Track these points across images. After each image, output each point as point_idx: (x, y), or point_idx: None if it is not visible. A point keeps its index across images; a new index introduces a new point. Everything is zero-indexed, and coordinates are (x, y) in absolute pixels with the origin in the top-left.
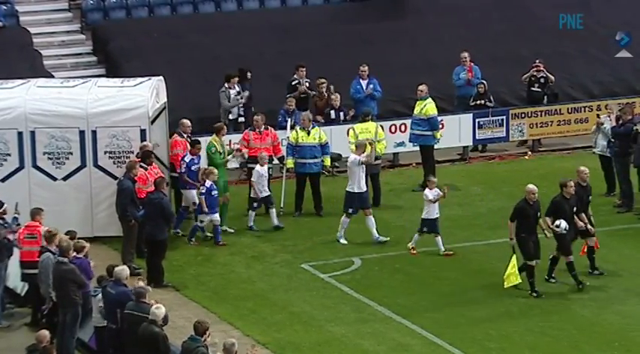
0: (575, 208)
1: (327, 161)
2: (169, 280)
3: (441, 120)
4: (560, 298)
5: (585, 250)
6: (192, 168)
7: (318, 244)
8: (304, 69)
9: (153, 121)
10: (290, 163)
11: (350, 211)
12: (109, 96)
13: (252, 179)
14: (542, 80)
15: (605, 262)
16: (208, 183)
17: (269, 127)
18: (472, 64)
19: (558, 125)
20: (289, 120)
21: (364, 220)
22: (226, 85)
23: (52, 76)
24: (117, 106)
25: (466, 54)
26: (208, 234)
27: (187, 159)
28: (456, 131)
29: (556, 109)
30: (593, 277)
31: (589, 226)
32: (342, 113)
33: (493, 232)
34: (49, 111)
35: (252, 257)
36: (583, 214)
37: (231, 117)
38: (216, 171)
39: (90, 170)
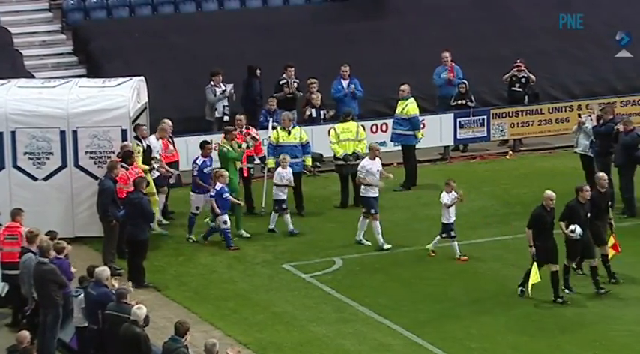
0: (589, 214)
1: (309, 161)
2: (150, 280)
3: (423, 120)
4: (542, 298)
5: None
6: (205, 170)
7: (299, 244)
8: (292, 69)
9: (134, 122)
10: (271, 163)
11: (372, 211)
12: (90, 96)
13: (274, 181)
14: (523, 80)
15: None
16: (219, 186)
17: (250, 127)
18: (453, 64)
19: (539, 125)
20: (270, 120)
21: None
22: (212, 82)
23: (33, 77)
24: (98, 106)
25: (447, 54)
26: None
27: (199, 161)
28: (437, 131)
29: (537, 109)
30: (576, 278)
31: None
32: (322, 112)
33: (474, 232)
34: (30, 111)
35: (233, 257)
36: (597, 222)
37: (217, 115)
38: (226, 173)
39: (71, 170)
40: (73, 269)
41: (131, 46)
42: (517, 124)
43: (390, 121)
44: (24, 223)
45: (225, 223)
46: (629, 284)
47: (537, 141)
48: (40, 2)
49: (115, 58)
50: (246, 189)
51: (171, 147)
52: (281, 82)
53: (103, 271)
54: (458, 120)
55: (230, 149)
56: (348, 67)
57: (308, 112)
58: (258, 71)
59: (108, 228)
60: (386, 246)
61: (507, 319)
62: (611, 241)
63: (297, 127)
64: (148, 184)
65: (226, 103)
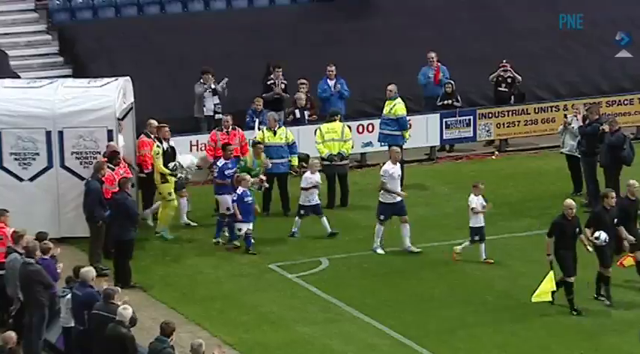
0: (615, 220)
1: (295, 161)
2: (137, 280)
3: (409, 120)
4: (529, 298)
5: (624, 262)
6: (226, 172)
7: (285, 244)
8: (280, 70)
9: (120, 120)
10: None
11: (382, 218)
12: (75, 96)
13: (301, 186)
14: (509, 80)
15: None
16: (240, 190)
17: (237, 127)
18: (439, 64)
19: (525, 125)
20: (256, 120)
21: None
22: (201, 80)
23: (19, 77)
24: (84, 106)
25: (433, 54)
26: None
27: (220, 163)
28: (424, 131)
29: (523, 109)
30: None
31: (625, 242)
32: (306, 113)
33: (460, 232)
34: (16, 112)
35: (219, 258)
36: (622, 228)
37: (206, 112)
38: (248, 177)
39: (57, 171)
40: (60, 265)
41: (117, 47)
42: (503, 124)
43: (375, 122)
44: (9, 223)
45: (239, 229)
46: (615, 285)
47: (523, 141)
48: (26, 3)
49: (101, 58)
50: None
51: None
52: (268, 83)
53: (89, 271)
54: (444, 120)
55: (247, 167)
56: (334, 67)
57: (291, 116)
58: (277, 69)
59: (94, 228)
60: (379, 251)
61: (495, 320)
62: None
63: (283, 127)
64: (133, 184)
65: (217, 102)
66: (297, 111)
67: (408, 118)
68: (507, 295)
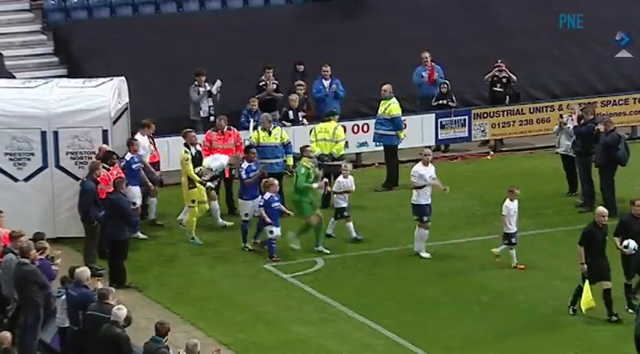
0: None
1: (290, 161)
2: (132, 280)
3: (404, 120)
4: (524, 298)
5: None
6: (250, 175)
7: (280, 244)
8: (271, 70)
9: (115, 122)
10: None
11: (425, 219)
12: (70, 97)
13: (333, 189)
14: (504, 80)
15: (568, 261)
16: (267, 195)
17: (232, 128)
18: (433, 64)
19: (520, 125)
20: (251, 120)
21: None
22: (195, 82)
23: (14, 77)
24: (79, 106)
25: (427, 54)
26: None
27: (244, 165)
28: (419, 131)
29: (518, 109)
30: (557, 278)
31: None
32: (300, 114)
33: (456, 232)
34: (11, 112)
35: (214, 258)
36: None
37: (202, 115)
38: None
39: (52, 171)
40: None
41: (112, 47)
42: (498, 124)
43: (370, 122)
44: (4, 224)
45: (271, 232)
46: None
47: (518, 141)
48: (21, 2)
49: (96, 58)
50: (227, 189)
51: (152, 147)
52: (260, 83)
53: (83, 272)
54: (439, 120)
55: (309, 173)
56: (329, 67)
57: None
58: (301, 67)
59: (89, 229)
60: (424, 254)
61: (489, 319)
62: None
63: (278, 127)
64: (127, 184)
65: (211, 104)
66: (290, 112)
67: (403, 118)
68: (502, 295)
